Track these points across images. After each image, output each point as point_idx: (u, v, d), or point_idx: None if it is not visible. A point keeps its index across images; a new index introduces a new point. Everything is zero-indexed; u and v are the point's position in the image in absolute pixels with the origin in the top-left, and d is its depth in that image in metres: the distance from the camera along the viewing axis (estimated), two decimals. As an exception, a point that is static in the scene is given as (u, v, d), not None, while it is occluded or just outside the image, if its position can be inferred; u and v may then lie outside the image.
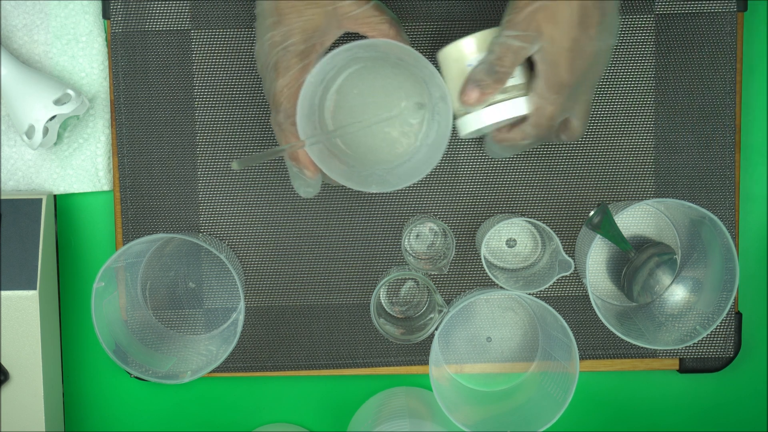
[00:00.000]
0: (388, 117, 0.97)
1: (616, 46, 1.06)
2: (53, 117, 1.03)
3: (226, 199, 1.08)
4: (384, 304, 1.08)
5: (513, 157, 1.07)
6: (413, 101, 0.97)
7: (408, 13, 1.06)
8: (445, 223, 1.06)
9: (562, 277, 1.08)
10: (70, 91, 1.03)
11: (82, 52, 1.07)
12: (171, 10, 1.06)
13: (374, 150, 0.99)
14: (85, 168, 1.09)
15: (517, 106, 0.93)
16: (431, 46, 1.06)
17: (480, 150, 1.07)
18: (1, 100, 1.07)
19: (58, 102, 1.02)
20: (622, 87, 1.06)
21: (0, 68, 1.02)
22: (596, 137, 1.07)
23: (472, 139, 1.06)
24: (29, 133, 1.03)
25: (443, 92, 0.93)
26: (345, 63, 0.97)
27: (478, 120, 0.94)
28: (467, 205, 1.08)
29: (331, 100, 0.98)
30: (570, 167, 1.07)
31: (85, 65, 1.08)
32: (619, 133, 1.07)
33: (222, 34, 1.06)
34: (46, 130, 1.04)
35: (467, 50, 0.95)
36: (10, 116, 1.04)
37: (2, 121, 1.08)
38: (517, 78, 0.93)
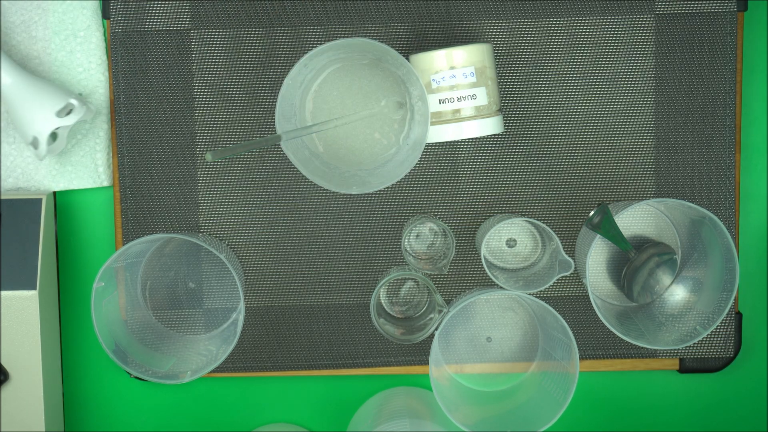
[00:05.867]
0: (368, 114, 0.98)
1: (617, 45, 1.06)
2: (58, 127, 1.03)
3: (226, 199, 1.07)
4: (384, 304, 1.08)
5: (512, 158, 1.07)
6: (393, 100, 0.97)
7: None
8: (445, 223, 1.06)
9: (562, 277, 1.08)
10: (73, 101, 1.02)
11: (80, 47, 1.07)
12: (171, 10, 1.06)
13: (355, 151, 1.00)
14: (84, 164, 1.08)
15: (488, 126, 0.98)
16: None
17: (480, 150, 1.07)
18: (3, 110, 1.06)
19: (60, 113, 1.02)
20: (622, 87, 1.06)
21: (1, 77, 1.02)
22: (596, 137, 1.07)
23: (472, 139, 1.06)
24: (34, 144, 1.02)
25: (421, 92, 0.94)
26: (322, 65, 0.98)
27: (446, 134, 0.97)
28: (467, 205, 1.08)
29: (310, 101, 0.98)
30: (570, 167, 1.07)
31: (83, 60, 1.08)
32: (619, 133, 1.07)
33: (222, 34, 1.06)
34: (53, 137, 1.04)
35: (437, 63, 0.95)
36: (15, 127, 1.03)
37: (2, 118, 1.08)
38: (481, 99, 0.96)
